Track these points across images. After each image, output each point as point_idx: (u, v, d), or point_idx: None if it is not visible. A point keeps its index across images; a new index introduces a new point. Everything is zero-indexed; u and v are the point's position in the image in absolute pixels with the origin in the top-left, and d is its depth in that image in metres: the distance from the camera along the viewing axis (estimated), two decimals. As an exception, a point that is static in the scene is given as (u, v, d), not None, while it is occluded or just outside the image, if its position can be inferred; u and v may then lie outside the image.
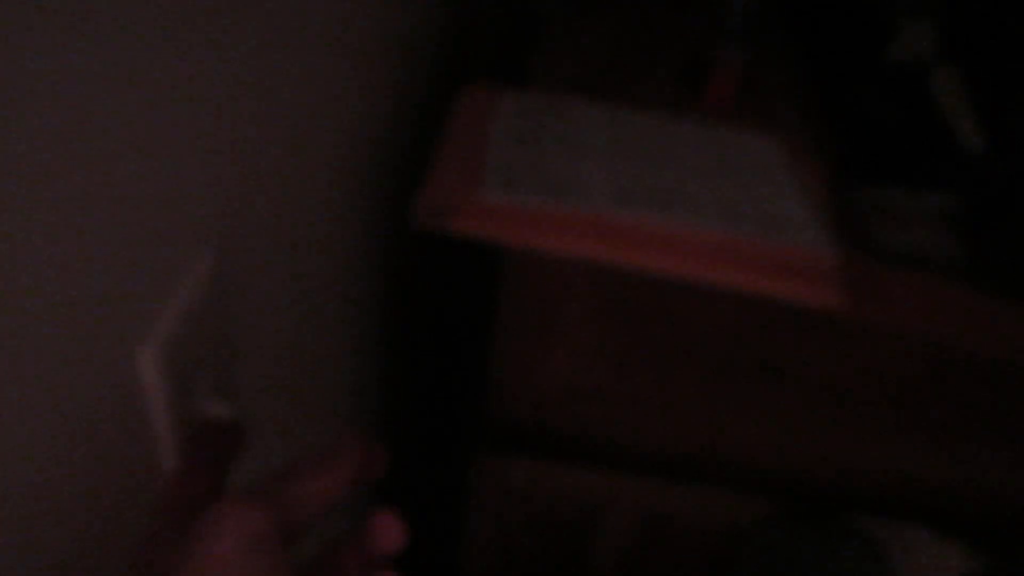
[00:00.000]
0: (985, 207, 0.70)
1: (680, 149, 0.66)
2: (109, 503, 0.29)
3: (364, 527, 0.29)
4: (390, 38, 0.66)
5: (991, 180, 0.70)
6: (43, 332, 0.24)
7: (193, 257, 0.33)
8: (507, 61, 1.27)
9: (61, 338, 0.25)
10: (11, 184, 0.21)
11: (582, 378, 0.66)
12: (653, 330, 0.63)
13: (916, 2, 0.79)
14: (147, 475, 0.32)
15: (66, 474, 0.26)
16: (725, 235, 0.56)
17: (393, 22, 0.67)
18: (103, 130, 0.25)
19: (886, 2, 0.81)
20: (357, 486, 0.28)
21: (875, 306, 0.57)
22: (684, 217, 0.57)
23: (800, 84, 0.83)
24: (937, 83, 0.74)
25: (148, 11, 0.27)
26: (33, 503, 0.25)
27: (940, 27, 0.78)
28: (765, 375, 0.64)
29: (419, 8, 0.78)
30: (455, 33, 1.04)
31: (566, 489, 0.72)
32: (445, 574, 0.88)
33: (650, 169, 0.62)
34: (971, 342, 0.59)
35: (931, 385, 0.63)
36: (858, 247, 0.60)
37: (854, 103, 0.78)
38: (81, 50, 0.23)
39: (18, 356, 0.23)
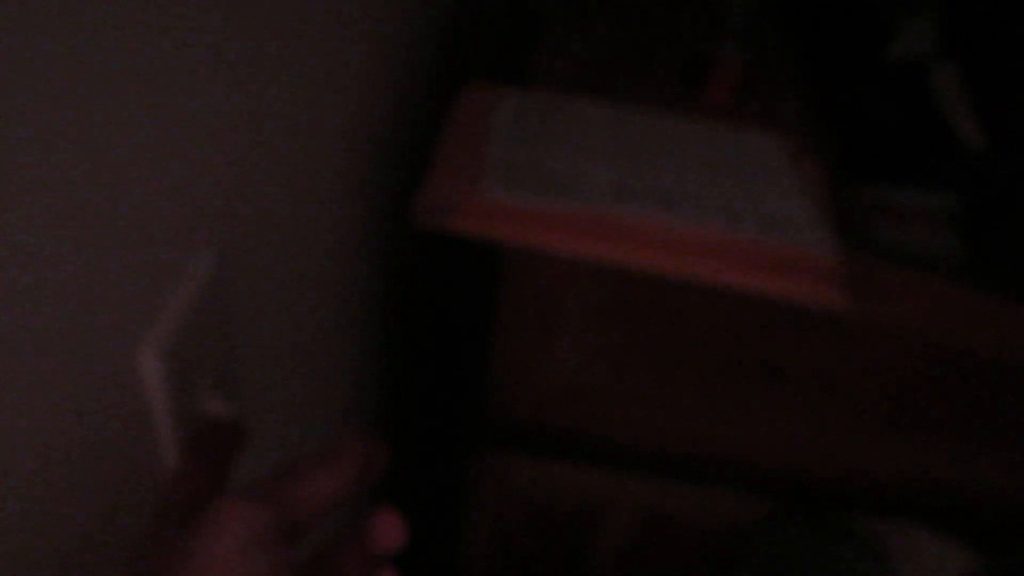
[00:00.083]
0: (985, 206, 0.70)
1: (680, 148, 0.66)
2: (109, 502, 0.29)
3: (364, 525, 0.29)
4: (390, 38, 0.66)
5: (991, 179, 0.70)
6: (44, 332, 0.24)
7: (193, 257, 0.33)
8: (507, 61, 1.27)
9: (62, 338, 0.25)
10: (11, 184, 0.21)
11: (582, 377, 0.66)
12: (653, 329, 0.63)
13: (916, 1, 0.79)
14: (147, 474, 0.32)
15: (66, 474, 0.26)
16: (725, 234, 0.56)
17: (393, 22, 0.67)
18: (103, 130, 0.25)
19: (886, 1, 0.81)
20: (359, 485, 0.28)
21: (875, 305, 0.57)
22: (684, 216, 0.57)
23: (800, 83, 0.83)
24: (937, 82, 0.74)
25: (147, 10, 0.27)
26: (33, 502, 0.25)
27: (940, 26, 0.78)
28: (765, 375, 0.64)
29: (419, 8, 0.78)
30: (455, 33, 1.04)
31: (566, 488, 0.72)
32: (445, 574, 0.88)
33: (650, 168, 0.62)
34: (971, 341, 0.59)
35: (931, 384, 0.63)
36: (858, 246, 0.60)
37: (854, 102, 0.78)
38: (82, 50, 0.23)
39: (19, 356, 0.23)
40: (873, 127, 0.75)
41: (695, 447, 0.70)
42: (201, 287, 0.33)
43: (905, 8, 0.79)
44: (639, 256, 0.55)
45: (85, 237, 0.25)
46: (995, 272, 0.64)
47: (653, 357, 0.64)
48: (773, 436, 0.68)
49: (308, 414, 0.58)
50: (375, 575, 0.29)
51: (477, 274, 1.28)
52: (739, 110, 0.76)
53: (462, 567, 0.80)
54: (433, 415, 1.32)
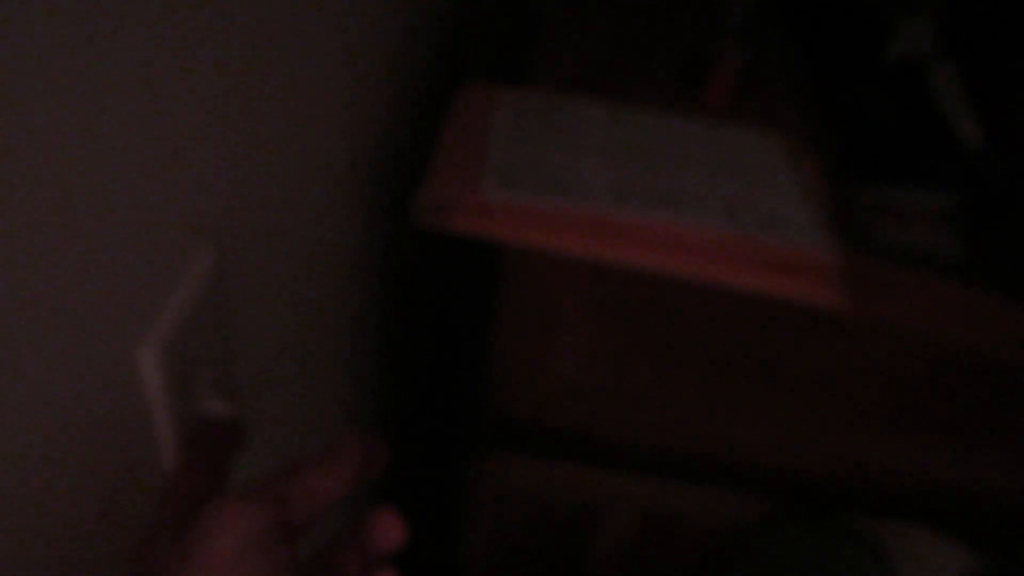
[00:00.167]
0: (985, 206, 0.70)
1: (680, 148, 0.66)
2: (109, 502, 0.29)
3: (364, 525, 0.29)
4: (390, 37, 0.66)
5: (991, 179, 0.70)
6: (43, 331, 0.24)
7: (193, 256, 0.33)
8: (507, 61, 1.27)
9: (61, 337, 0.25)
10: (11, 184, 0.21)
11: (582, 377, 0.66)
12: (653, 329, 0.63)
13: (916, 1, 0.79)
14: (147, 474, 0.32)
15: (66, 473, 0.26)
16: (725, 234, 0.56)
17: (393, 22, 0.67)
18: (103, 129, 0.25)
19: (886, 1, 0.81)
20: (358, 484, 0.28)
21: (875, 305, 0.57)
22: (684, 216, 0.57)
23: (800, 83, 0.83)
24: (937, 82, 0.74)
25: (147, 10, 0.27)
26: (33, 502, 0.25)
27: (939, 26, 0.78)
28: (765, 375, 0.64)
29: (419, 8, 0.78)
30: (455, 33, 1.04)
31: (565, 488, 0.72)
32: (445, 574, 0.88)
33: (650, 168, 0.62)
34: (971, 341, 0.59)
35: (931, 384, 0.63)
36: (858, 246, 0.60)
37: (854, 102, 0.78)
38: (82, 49, 0.23)
39: (18, 355, 0.23)
40: (873, 127, 0.75)
41: (695, 447, 0.70)
42: (200, 286, 0.33)
43: (905, 8, 0.79)
44: (639, 256, 0.55)
45: (84, 236, 0.25)
46: (995, 272, 0.64)
47: (653, 357, 0.64)
48: (773, 436, 0.68)
49: (308, 414, 0.58)
50: (375, 575, 0.29)
51: (477, 274, 1.28)
52: (739, 110, 0.76)
53: (462, 567, 0.80)
54: (433, 415, 1.32)
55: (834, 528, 0.69)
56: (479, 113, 0.66)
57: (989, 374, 0.62)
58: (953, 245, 0.67)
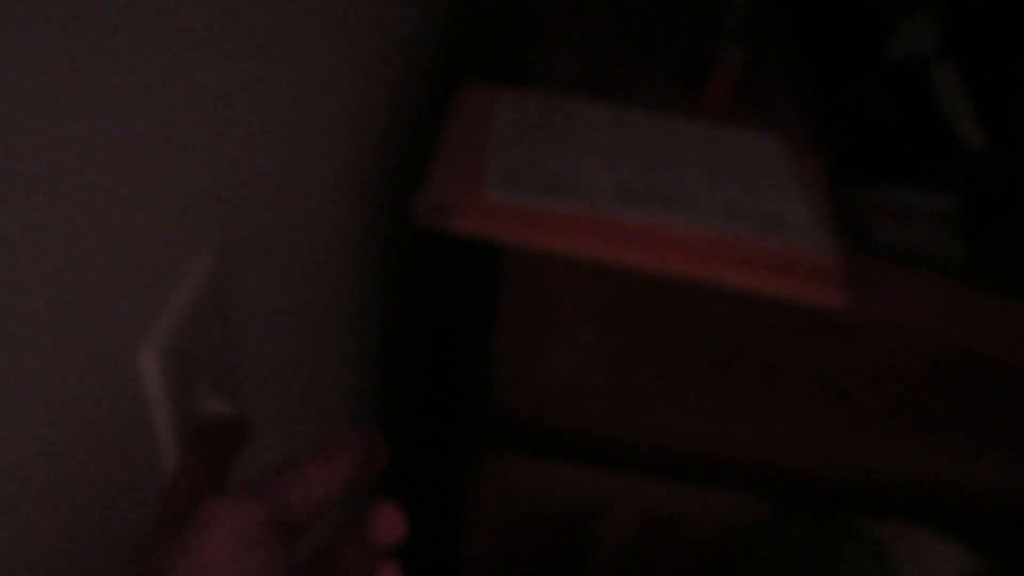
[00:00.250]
0: (985, 206, 0.70)
1: (680, 148, 0.66)
2: (109, 502, 0.29)
3: (364, 520, 0.29)
4: (390, 38, 0.66)
5: (991, 179, 0.70)
6: (44, 331, 0.24)
7: (194, 257, 0.33)
8: (507, 61, 1.27)
9: (62, 338, 0.25)
10: (12, 184, 0.21)
11: (582, 377, 0.66)
12: (653, 329, 0.63)
13: (916, 1, 0.79)
14: (148, 474, 0.32)
15: (67, 473, 0.26)
16: (725, 234, 0.56)
17: (393, 22, 0.67)
18: (104, 131, 0.25)
19: (886, 1, 0.81)
20: (358, 479, 0.28)
21: (875, 305, 0.57)
22: (684, 216, 0.57)
23: (800, 83, 0.83)
24: (937, 82, 0.74)
25: (146, 11, 0.27)
26: (33, 502, 0.25)
27: (940, 25, 0.78)
28: (765, 375, 0.64)
29: (419, 8, 0.78)
30: (455, 33, 1.04)
31: (565, 488, 0.72)
32: (445, 574, 0.88)
33: (650, 168, 0.62)
34: (971, 341, 0.59)
35: (931, 384, 0.63)
36: (858, 246, 0.60)
37: (854, 102, 0.78)
38: (82, 50, 0.23)
39: (19, 356, 0.23)
40: (873, 127, 0.75)
41: (695, 447, 0.70)
42: (201, 286, 0.33)
43: (905, 8, 0.79)
44: (639, 256, 0.55)
45: (85, 237, 0.25)
46: (995, 272, 0.64)
47: (653, 357, 0.64)
48: (773, 436, 0.68)
49: (308, 414, 0.58)
50: (377, 571, 0.28)
51: (477, 274, 1.28)
52: (739, 110, 0.76)
53: (462, 567, 0.80)
54: (433, 415, 1.32)
55: (834, 528, 0.69)
56: (479, 113, 0.66)
57: (989, 374, 0.62)
58: (953, 245, 0.67)
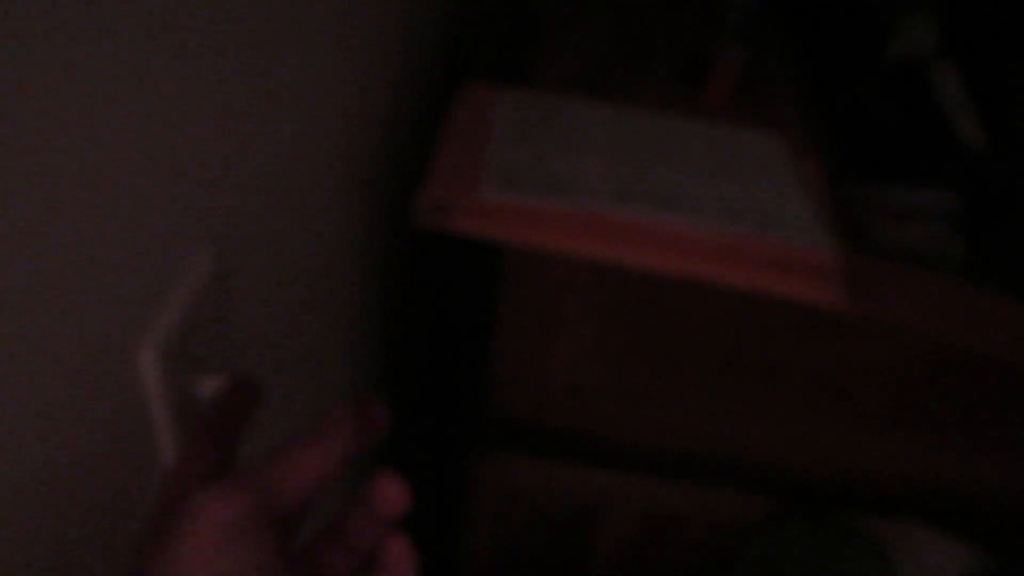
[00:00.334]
0: (985, 205, 0.70)
1: (680, 147, 0.66)
2: (108, 501, 0.29)
3: (367, 492, 0.28)
4: (390, 37, 0.66)
5: (991, 178, 0.70)
6: (43, 331, 0.24)
7: (193, 256, 0.33)
8: (507, 61, 1.27)
9: (61, 337, 0.25)
10: (11, 185, 0.21)
11: (582, 376, 0.66)
12: (653, 328, 0.63)
13: (916, 1, 0.79)
14: (147, 473, 0.32)
15: (66, 472, 0.26)
16: (725, 233, 0.56)
17: (393, 22, 0.67)
18: (102, 130, 0.25)
19: (886, 1, 0.81)
20: (357, 451, 0.27)
21: (875, 304, 0.57)
22: (684, 215, 0.57)
23: (800, 82, 0.83)
24: (937, 81, 0.74)
25: (146, 10, 0.27)
26: (33, 500, 0.25)
27: (940, 25, 0.78)
28: (765, 374, 0.64)
29: (419, 8, 0.78)
30: (455, 33, 1.04)
31: (566, 487, 0.72)
32: (445, 574, 0.88)
33: (650, 167, 0.62)
34: (971, 340, 0.59)
35: (931, 383, 0.63)
36: (858, 246, 0.60)
37: (854, 101, 0.78)
38: (80, 50, 0.23)
39: (18, 355, 0.23)
40: (873, 127, 0.75)
41: (695, 447, 0.70)
42: (200, 285, 0.33)
43: (905, 7, 0.79)
44: (639, 255, 0.55)
45: (83, 235, 0.25)
46: (995, 271, 0.64)
47: (653, 357, 0.64)
48: (773, 436, 0.68)
49: (308, 414, 0.58)
50: (385, 542, 0.28)
51: (477, 274, 1.28)
52: (739, 110, 0.76)
53: (462, 567, 0.80)
54: (433, 415, 1.32)
55: (835, 527, 0.69)
56: (479, 113, 0.66)
57: (989, 374, 0.62)
58: (953, 245, 0.67)
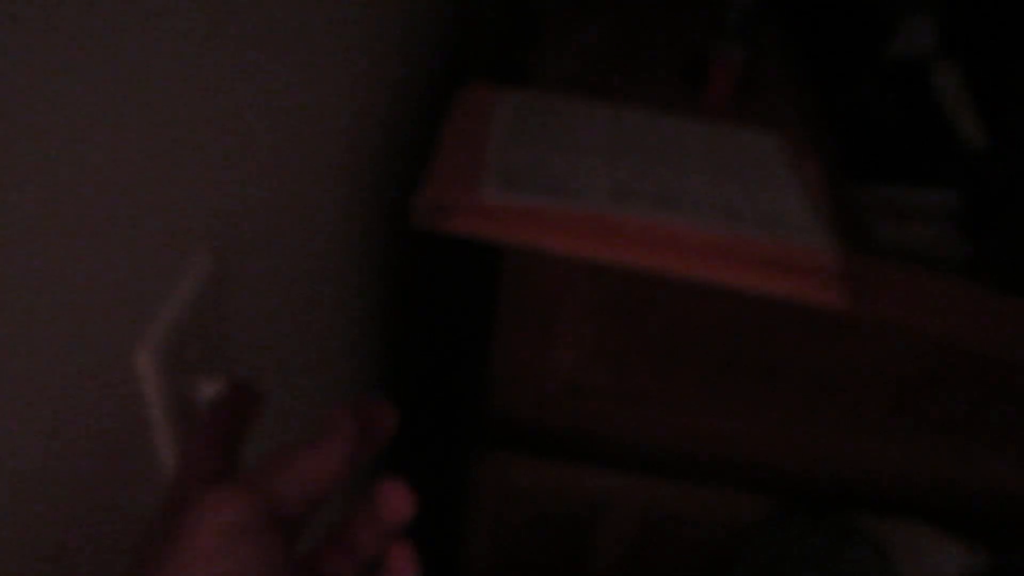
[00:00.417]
0: (985, 204, 0.70)
1: (680, 147, 0.66)
2: (107, 503, 0.29)
3: (372, 499, 0.28)
4: (390, 38, 0.66)
5: (991, 178, 0.70)
6: (41, 333, 0.24)
7: (191, 260, 0.33)
8: (507, 61, 1.27)
9: (59, 340, 0.24)
10: (9, 185, 0.21)
11: (582, 376, 0.66)
12: (653, 329, 0.63)
13: (916, 0, 0.79)
14: (145, 475, 0.32)
15: (63, 475, 0.26)
16: (725, 233, 0.56)
17: (393, 22, 0.67)
18: (100, 131, 0.25)
19: (886, 0, 0.81)
20: (360, 456, 0.27)
21: (876, 304, 0.57)
22: (684, 215, 0.57)
23: (800, 82, 0.83)
24: (937, 80, 0.74)
25: (143, 10, 0.27)
26: (30, 502, 0.24)
27: (940, 23, 0.78)
28: (765, 374, 0.64)
29: (419, 8, 0.78)
30: (455, 33, 1.04)
31: (566, 487, 0.72)
32: (445, 574, 0.88)
33: (650, 167, 0.62)
34: (972, 339, 0.59)
35: (932, 382, 0.63)
36: (858, 246, 0.60)
37: (854, 100, 0.78)
38: (79, 51, 0.23)
39: (16, 357, 0.23)
40: (873, 126, 0.75)
41: (695, 447, 0.70)
42: (198, 288, 0.33)
43: (905, 6, 0.79)
44: (638, 256, 0.55)
45: (81, 238, 0.25)
46: (996, 269, 0.64)
47: (653, 356, 0.64)
48: (773, 435, 0.68)
49: (307, 415, 0.58)
50: (389, 549, 0.28)
51: (477, 274, 1.28)
52: (739, 110, 0.76)
53: (462, 567, 0.80)
54: (433, 415, 1.32)
55: (836, 526, 0.69)
56: (479, 113, 0.66)
57: (990, 373, 0.62)
58: (954, 244, 0.67)
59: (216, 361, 0.35)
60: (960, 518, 0.71)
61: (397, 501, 0.28)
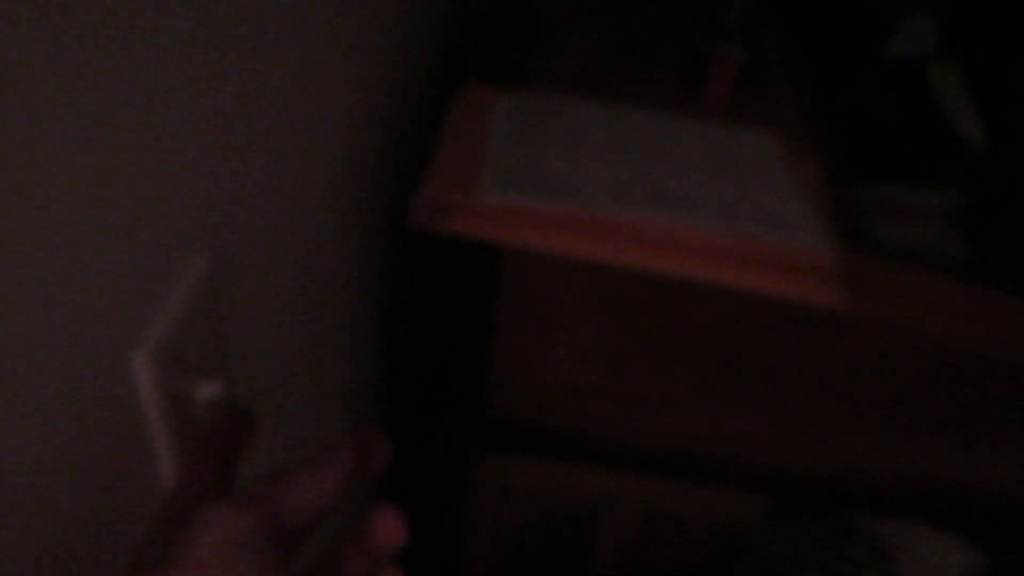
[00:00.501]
0: (986, 204, 0.70)
1: (679, 147, 0.66)
2: (103, 506, 0.29)
3: (364, 524, 0.29)
4: (389, 37, 0.66)
5: (991, 177, 0.70)
6: (37, 335, 0.24)
7: (188, 260, 0.33)
8: (506, 61, 1.27)
9: (55, 341, 0.24)
10: (6, 186, 0.21)
11: (581, 376, 0.66)
12: (653, 329, 0.63)
13: (916, 0, 0.79)
14: (142, 478, 0.32)
15: (60, 478, 0.26)
16: (724, 233, 0.56)
17: (392, 22, 0.67)
18: (97, 133, 0.25)
19: (886, 0, 0.81)
20: (358, 481, 0.28)
21: (875, 303, 0.57)
22: (683, 215, 0.57)
23: (799, 82, 0.83)
24: (937, 80, 0.74)
25: (141, 11, 0.27)
26: (26, 507, 0.24)
27: (940, 23, 0.78)
28: (765, 374, 0.64)
29: (419, 8, 0.78)
30: (455, 33, 1.04)
31: (566, 488, 0.72)
32: (445, 574, 0.88)
33: (649, 168, 0.62)
34: (971, 339, 0.59)
35: (932, 382, 0.63)
36: (858, 245, 0.60)
37: (854, 100, 0.78)
38: (77, 51, 0.23)
39: (12, 359, 0.23)
40: (873, 126, 0.75)
41: (695, 447, 0.70)
42: (195, 290, 0.33)
43: (905, 6, 0.79)
44: (638, 256, 0.55)
45: (77, 240, 0.25)
46: (995, 270, 0.64)
47: (652, 356, 0.64)
48: (773, 435, 0.68)
49: (307, 416, 0.57)
50: (379, 575, 0.28)
51: (477, 274, 1.28)
52: (739, 110, 0.75)
53: (462, 567, 0.80)
54: (433, 415, 1.32)
55: (835, 526, 0.69)
56: (479, 114, 0.66)
57: (989, 373, 0.61)
58: (954, 244, 0.67)
59: (214, 362, 0.35)
60: (960, 518, 0.71)
61: (390, 528, 0.28)
